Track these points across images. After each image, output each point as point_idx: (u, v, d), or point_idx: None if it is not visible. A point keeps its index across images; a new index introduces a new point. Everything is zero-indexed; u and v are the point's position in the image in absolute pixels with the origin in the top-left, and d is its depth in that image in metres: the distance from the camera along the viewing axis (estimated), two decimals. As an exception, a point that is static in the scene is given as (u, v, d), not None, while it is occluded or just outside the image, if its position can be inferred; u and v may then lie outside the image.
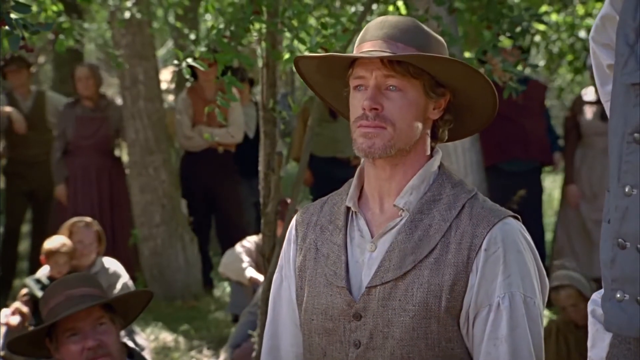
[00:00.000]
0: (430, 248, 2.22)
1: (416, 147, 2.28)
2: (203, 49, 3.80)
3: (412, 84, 2.23)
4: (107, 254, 6.07)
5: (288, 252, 2.42)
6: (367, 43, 2.26)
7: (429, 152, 2.31)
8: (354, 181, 2.36)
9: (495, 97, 2.29)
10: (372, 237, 2.29)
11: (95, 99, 7.68)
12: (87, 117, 7.60)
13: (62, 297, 3.37)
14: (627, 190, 1.97)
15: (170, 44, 12.19)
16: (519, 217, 2.31)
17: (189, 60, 3.66)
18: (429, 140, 2.31)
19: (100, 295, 3.42)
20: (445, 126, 2.32)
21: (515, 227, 2.26)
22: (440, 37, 2.31)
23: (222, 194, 7.74)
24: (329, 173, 7.73)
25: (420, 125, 2.26)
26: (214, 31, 3.82)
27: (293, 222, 2.44)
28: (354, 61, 2.27)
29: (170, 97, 10.44)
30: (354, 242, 2.30)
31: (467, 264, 2.20)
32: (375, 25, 2.28)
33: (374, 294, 2.24)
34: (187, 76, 3.91)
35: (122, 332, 5.46)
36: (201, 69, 3.65)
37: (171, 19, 9.50)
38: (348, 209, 2.33)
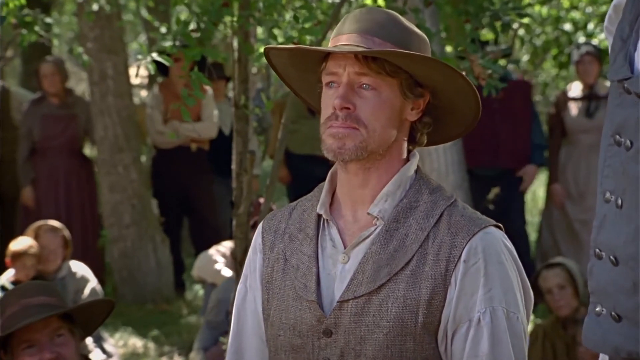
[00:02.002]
0: (407, 260, 2.10)
1: (391, 151, 2.15)
2: (169, 43, 3.69)
3: (387, 83, 2.10)
4: (76, 257, 5.94)
5: (254, 262, 2.28)
6: (343, 36, 2.12)
7: (405, 156, 2.18)
8: (325, 186, 2.22)
9: (477, 99, 2.16)
10: (344, 247, 2.16)
11: (62, 96, 7.48)
12: (54, 115, 7.42)
13: (17, 306, 3.24)
14: (606, 196, 1.86)
15: (143, 37, 12.09)
16: (502, 226, 2.18)
17: (154, 54, 3.55)
18: (405, 143, 2.17)
19: (58, 305, 3.28)
20: (424, 129, 2.19)
21: (497, 237, 2.13)
22: (423, 34, 2.17)
23: (195, 193, 7.66)
24: (308, 171, 7.66)
25: (395, 127, 2.13)
26: (181, 25, 3.70)
27: (259, 229, 2.30)
28: (327, 55, 2.12)
29: (143, 93, 10.33)
30: (326, 252, 2.18)
31: (445, 276, 2.08)
32: (353, 17, 2.14)
33: (346, 309, 2.11)
34: (152, 72, 3.81)
35: (90, 339, 5.38)
36: (166, 64, 3.56)
37: (143, 12, 9.38)
38: (319, 216, 2.20)
